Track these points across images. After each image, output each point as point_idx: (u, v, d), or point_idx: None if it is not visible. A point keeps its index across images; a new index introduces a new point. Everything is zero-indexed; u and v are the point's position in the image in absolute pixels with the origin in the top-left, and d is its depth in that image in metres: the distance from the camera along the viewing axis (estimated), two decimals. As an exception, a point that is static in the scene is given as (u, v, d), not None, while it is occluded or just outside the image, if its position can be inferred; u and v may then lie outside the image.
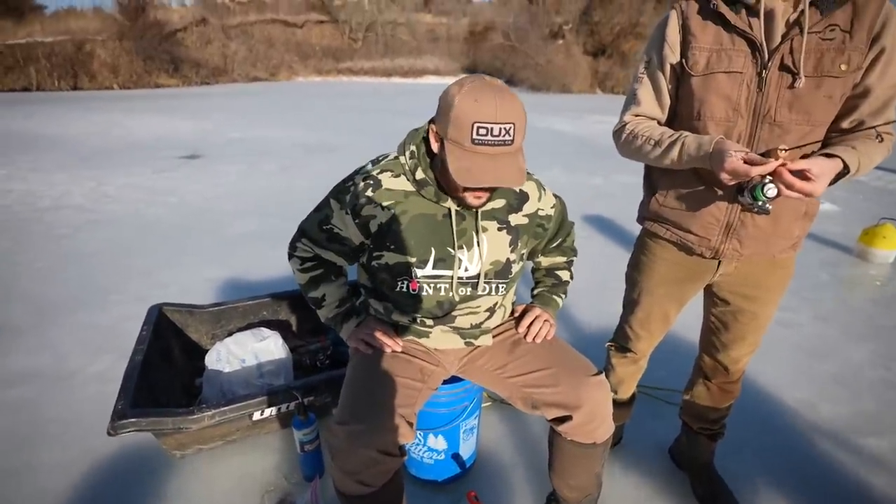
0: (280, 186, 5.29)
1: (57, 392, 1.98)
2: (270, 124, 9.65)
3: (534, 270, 1.44)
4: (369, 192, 1.10)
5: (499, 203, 1.15)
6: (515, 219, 1.17)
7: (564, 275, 1.40)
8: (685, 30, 1.08)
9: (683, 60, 1.09)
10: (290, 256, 1.29)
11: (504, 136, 0.94)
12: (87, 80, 18.74)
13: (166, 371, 1.79)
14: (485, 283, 1.17)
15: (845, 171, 0.98)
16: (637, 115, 1.20)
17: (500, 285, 1.20)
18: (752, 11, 1.00)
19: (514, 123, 0.95)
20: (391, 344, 1.22)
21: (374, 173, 1.11)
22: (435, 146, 1.04)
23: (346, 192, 1.13)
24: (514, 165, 0.97)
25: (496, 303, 1.25)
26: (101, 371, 2.10)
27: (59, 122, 9.46)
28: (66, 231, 3.82)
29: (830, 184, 0.98)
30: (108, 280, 2.97)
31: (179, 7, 29.57)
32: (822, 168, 0.94)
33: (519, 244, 1.19)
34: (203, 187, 5.16)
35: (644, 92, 1.18)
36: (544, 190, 1.23)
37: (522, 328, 1.30)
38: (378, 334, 1.23)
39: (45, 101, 13.63)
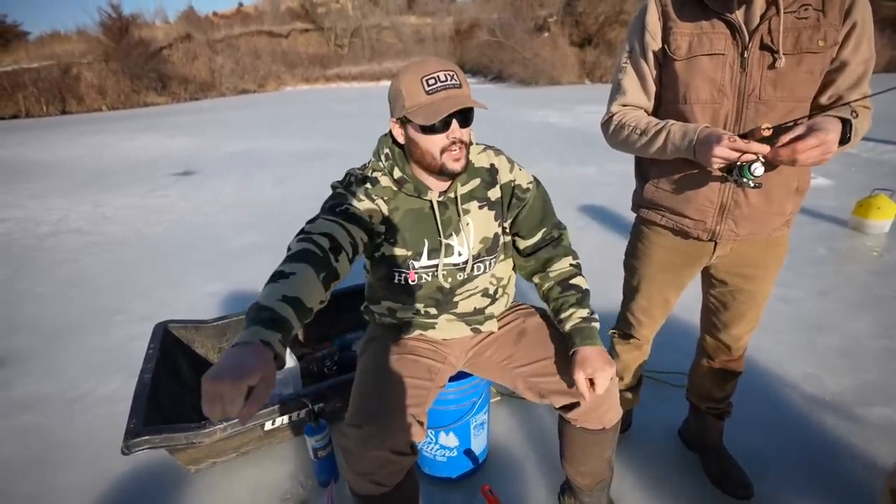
0: (277, 196, 5.30)
1: (68, 415, 1.99)
2: (262, 136, 9.67)
3: (547, 292, 1.25)
4: (368, 186, 1.13)
5: (474, 184, 1.17)
6: (494, 193, 1.20)
7: (581, 282, 1.23)
8: (665, 16, 1.10)
9: (665, 46, 1.11)
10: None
11: (451, 80, 1.03)
12: (75, 104, 18.76)
13: (176, 388, 1.80)
14: (478, 263, 1.20)
15: (847, 129, 0.97)
16: (624, 105, 1.22)
17: (491, 260, 1.23)
18: None
19: (454, 71, 1.04)
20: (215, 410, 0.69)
21: (367, 173, 1.15)
22: (400, 136, 1.10)
23: (349, 184, 1.14)
24: (468, 98, 1.04)
25: (493, 283, 1.27)
26: (110, 392, 2.11)
27: (52, 147, 9.47)
28: (67, 255, 3.83)
29: (841, 143, 0.96)
30: (112, 301, 2.98)
31: (163, 24, 29.60)
32: (820, 125, 0.93)
33: (503, 217, 1.22)
34: (200, 203, 5.18)
35: (629, 81, 1.19)
36: (520, 168, 1.23)
37: (584, 389, 1.08)
38: (222, 386, 0.68)
39: (35, 128, 13.63)
